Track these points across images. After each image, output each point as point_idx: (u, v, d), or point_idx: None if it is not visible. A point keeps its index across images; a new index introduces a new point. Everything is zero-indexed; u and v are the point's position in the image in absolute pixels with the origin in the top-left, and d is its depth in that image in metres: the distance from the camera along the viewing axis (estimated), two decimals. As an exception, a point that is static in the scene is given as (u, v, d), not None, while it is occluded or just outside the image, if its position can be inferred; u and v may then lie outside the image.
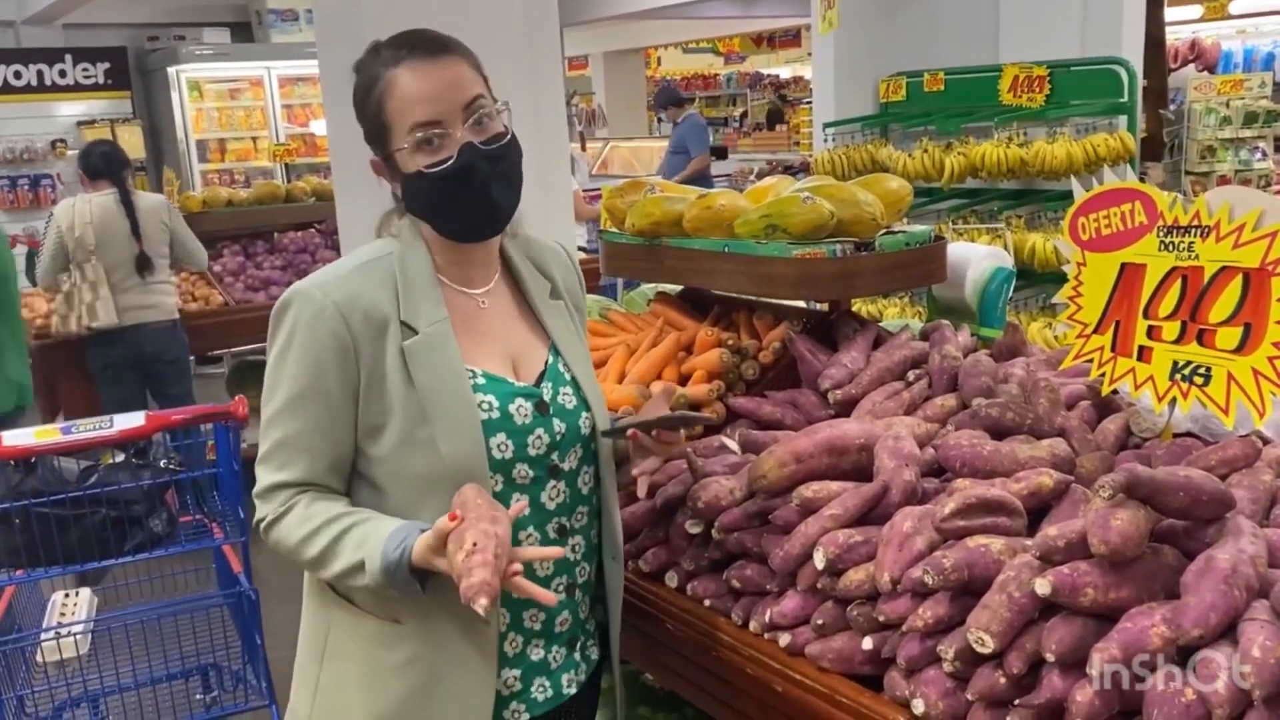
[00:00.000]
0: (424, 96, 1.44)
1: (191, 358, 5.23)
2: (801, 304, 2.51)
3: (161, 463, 2.78)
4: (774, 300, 2.43)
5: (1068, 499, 1.55)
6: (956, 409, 1.91)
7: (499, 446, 1.48)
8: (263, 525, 1.49)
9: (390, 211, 1.58)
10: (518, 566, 1.32)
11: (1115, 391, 1.82)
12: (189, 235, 4.97)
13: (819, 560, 1.56)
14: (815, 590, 1.60)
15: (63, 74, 9.13)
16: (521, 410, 1.52)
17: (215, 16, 9.92)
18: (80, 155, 4.97)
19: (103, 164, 4.78)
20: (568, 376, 1.60)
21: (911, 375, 2.07)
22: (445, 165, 1.45)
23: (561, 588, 1.58)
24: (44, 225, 4.91)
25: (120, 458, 2.74)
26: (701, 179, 8.99)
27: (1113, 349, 1.77)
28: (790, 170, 9.59)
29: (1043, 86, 4.65)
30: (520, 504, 1.49)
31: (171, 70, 9.15)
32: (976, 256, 2.75)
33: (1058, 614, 1.31)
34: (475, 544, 1.27)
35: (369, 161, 1.54)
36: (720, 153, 11.41)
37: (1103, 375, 1.80)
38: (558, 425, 1.55)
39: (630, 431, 1.60)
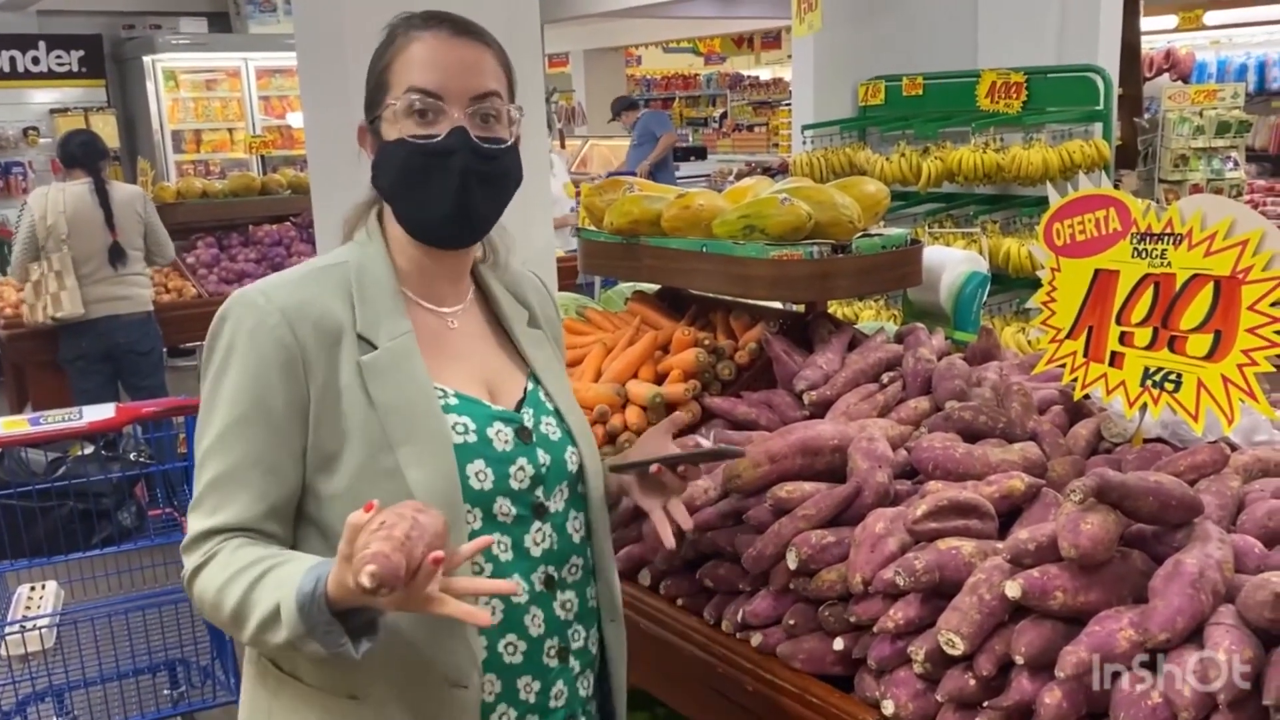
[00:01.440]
0: (434, 65, 1.31)
1: (164, 350, 5.20)
2: (778, 305, 2.52)
3: (131, 455, 2.76)
4: (751, 301, 2.43)
5: (1039, 502, 1.56)
6: (930, 412, 1.92)
7: (477, 475, 1.30)
8: (185, 579, 1.27)
9: (355, 214, 1.42)
10: (440, 554, 1.07)
11: (1087, 396, 1.84)
12: (161, 229, 4.96)
13: (791, 560, 1.57)
14: (787, 590, 1.60)
15: (36, 61, 9.01)
16: (501, 436, 1.33)
17: (192, 6, 9.84)
18: (59, 144, 4.95)
19: (81, 153, 4.75)
20: (550, 406, 1.42)
21: (886, 378, 2.08)
22: (429, 140, 1.30)
23: (553, 652, 1.37)
24: (18, 213, 4.87)
25: (89, 450, 2.72)
26: (664, 160, 9.48)
27: (1085, 354, 1.79)
28: (769, 172, 9.62)
29: (1020, 93, 4.68)
30: (487, 539, 1.25)
31: (147, 59, 9.06)
32: (952, 260, 2.76)
33: (1027, 617, 1.32)
34: (384, 522, 1.06)
35: (356, 127, 1.39)
36: (700, 153, 11.50)
37: (1075, 380, 1.81)
38: (541, 456, 1.36)
39: (654, 467, 1.44)
